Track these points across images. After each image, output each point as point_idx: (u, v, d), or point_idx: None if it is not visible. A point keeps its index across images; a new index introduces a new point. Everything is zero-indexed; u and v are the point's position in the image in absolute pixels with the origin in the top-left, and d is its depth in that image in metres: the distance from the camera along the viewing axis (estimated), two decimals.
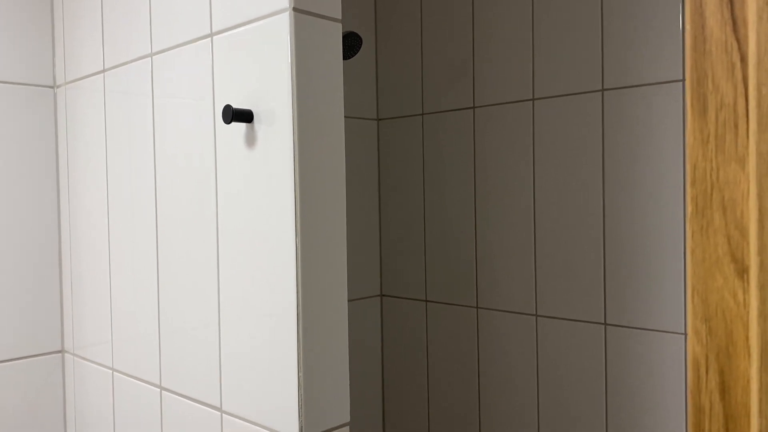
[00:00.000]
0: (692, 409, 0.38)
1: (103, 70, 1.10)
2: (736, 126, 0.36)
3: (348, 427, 0.80)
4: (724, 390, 0.37)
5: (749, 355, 0.35)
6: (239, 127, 0.83)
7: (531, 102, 1.25)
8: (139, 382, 1.03)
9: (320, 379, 0.77)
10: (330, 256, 0.79)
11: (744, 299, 0.36)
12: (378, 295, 1.56)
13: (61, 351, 1.23)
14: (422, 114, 1.45)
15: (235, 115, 0.80)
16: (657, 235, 1.10)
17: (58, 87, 1.23)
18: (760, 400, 0.35)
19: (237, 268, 0.84)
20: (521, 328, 1.28)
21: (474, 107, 1.35)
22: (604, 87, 1.15)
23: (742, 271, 0.36)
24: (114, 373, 1.09)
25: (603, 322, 1.17)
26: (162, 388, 0.97)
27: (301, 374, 0.75)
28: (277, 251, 0.78)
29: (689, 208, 0.38)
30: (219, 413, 0.87)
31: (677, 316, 1.08)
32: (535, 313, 1.26)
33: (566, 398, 1.22)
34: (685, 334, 1.08)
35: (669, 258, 1.09)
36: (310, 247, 0.77)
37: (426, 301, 1.46)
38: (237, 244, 0.83)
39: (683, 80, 1.08)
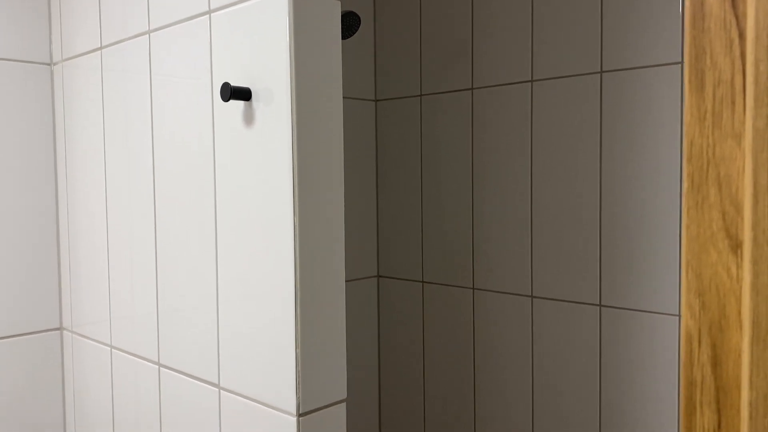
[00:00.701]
0: (684, 381, 0.39)
1: (101, 48, 1.09)
2: (733, 102, 0.36)
3: (344, 403, 0.81)
4: (715, 363, 0.37)
5: (741, 328, 0.36)
6: (237, 105, 0.83)
7: (529, 83, 1.25)
8: (137, 359, 1.03)
9: (317, 357, 0.78)
10: (328, 236, 0.79)
11: (737, 274, 0.36)
12: (375, 276, 1.56)
13: (60, 328, 1.23)
14: (420, 95, 1.44)
15: (233, 92, 0.80)
16: (653, 217, 1.11)
17: (55, 64, 1.22)
18: (751, 373, 0.36)
19: (235, 246, 0.84)
20: (517, 309, 1.29)
21: (472, 88, 1.34)
22: (603, 69, 1.15)
23: (736, 247, 0.36)
24: (112, 350, 1.10)
25: (598, 303, 1.18)
26: (160, 365, 0.98)
27: (298, 351, 0.76)
28: (275, 230, 0.78)
29: (685, 185, 0.38)
30: (217, 390, 0.87)
31: (672, 298, 1.09)
32: (530, 294, 1.27)
33: (560, 378, 1.24)
34: (679, 315, 1.09)
35: (664, 240, 1.09)
36: (308, 226, 0.77)
37: (422, 282, 1.47)
38: (235, 223, 0.84)
39: (682, 62, 1.08)
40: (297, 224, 0.76)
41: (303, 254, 0.76)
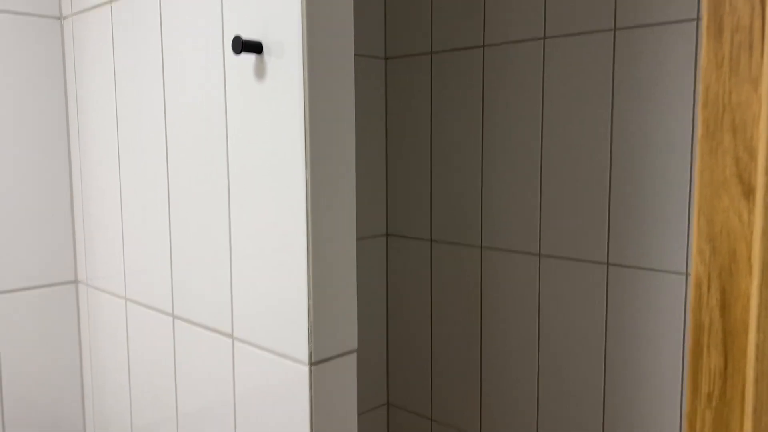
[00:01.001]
0: (692, 325, 0.39)
1: (111, 1, 1.08)
2: (750, 48, 0.36)
3: (355, 353, 0.83)
4: (724, 307, 0.38)
5: (751, 273, 0.37)
6: (248, 58, 0.83)
7: (542, 41, 1.24)
8: (151, 311, 1.05)
9: (329, 308, 0.79)
10: (339, 189, 0.80)
11: (749, 219, 0.37)
12: (383, 235, 1.58)
13: (75, 281, 1.26)
14: (431, 53, 1.43)
15: (244, 45, 0.79)
16: (663, 176, 1.11)
17: (64, 18, 1.21)
18: (759, 316, 0.36)
19: (248, 200, 0.85)
20: (524, 268, 1.31)
21: (483, 46, 1.33)
22: (617, 26, 1.14)
23: (749, 192, 0.37)
24: (127, 302, 1.12)
25: (605, 261, 1.19)
26: (174, 317, 1.00)
27: (310, 302, 0.77)
28: (287, 184, 0.79)
29: (700, 130, 0.38)
30: (230, 340, 0.89)
31: (679, 256, 1.10)
32: (538, 252, 1.28)
33: (566, 336, 1.25)
34: (686, 273, 1.10)
35: (674, 198, 1.10)
36: (320, 179, 0.77)
37: (431, 240, 1.48)
38: (247, 177, 0.84)
39: (697, 19, 1.07)
40: (309, 178, 0.76)
41: (315, 207, 0.77)
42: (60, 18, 1.22)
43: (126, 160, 1.09)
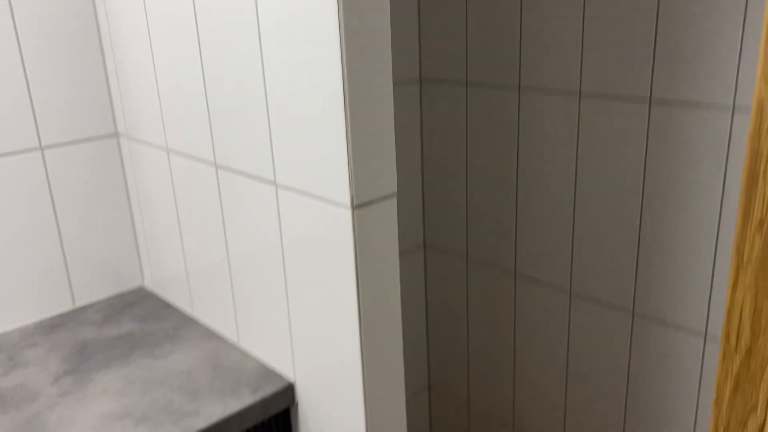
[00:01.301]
0: (749, 153, 0.38)
1: None
2: None
3: (395, 197, 0.84)
4: None
5: None
6: None
7: None
8: (194, 160, 1.07)
9: (368, 152, 0.80)
10: (374, 27, 0.77)
11: None
12: (417, 79, 1.54)
13: (115, 134, 1.27)
14: None
15: None
16: (717, 8, 1.04)
17: None
18: None
19: (281, 48, 0.82)
20: (563, 107, 1.28)
21: None
22: None
23: None
24: (169, 152, 1.14)
25: (648, 97, 1.15)
26: (217, 166, 1.02)
27: (349, 147, 0.78)
28: (319, 27, 0.76)
29: None
30: (274, 187, 0.91)
31: (728, 90, 1.05)
32: (578, 90, 1.24)
33: (603, 176, 1.25)
34: (733, 107, 1.06)
35: (727, 31, 1.03)
36: (353, 18, 0.74)
37: (466, 81, 1.44)
38: (278, 22, 0.81)
39: None
40: (342, 18, 0.73)
41: (349, 51, 0.75)
42: None
43: (153, 11, 1.06)
